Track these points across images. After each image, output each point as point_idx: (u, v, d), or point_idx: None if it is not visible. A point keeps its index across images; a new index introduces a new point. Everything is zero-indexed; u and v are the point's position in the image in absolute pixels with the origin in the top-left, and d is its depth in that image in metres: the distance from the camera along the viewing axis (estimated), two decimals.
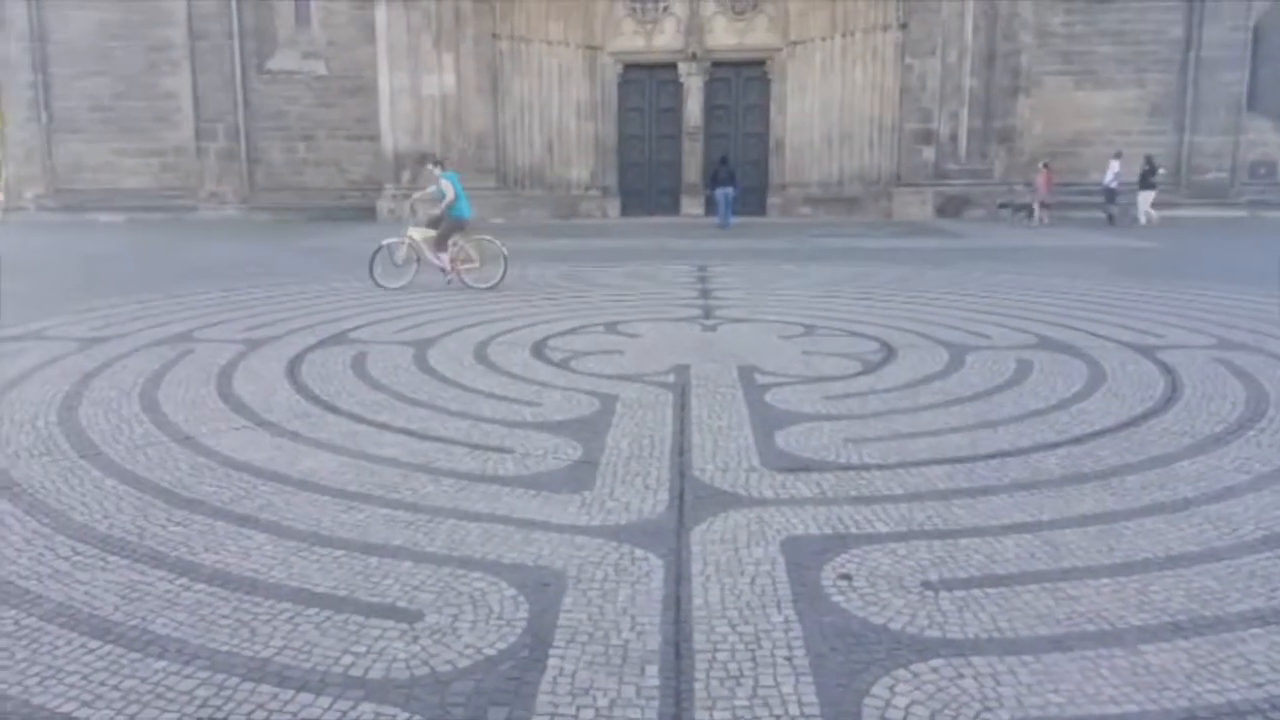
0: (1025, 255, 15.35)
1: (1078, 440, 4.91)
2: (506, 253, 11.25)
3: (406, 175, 24.86)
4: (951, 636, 2.86)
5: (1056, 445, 4.82)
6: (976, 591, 3.16)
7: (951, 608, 3.05)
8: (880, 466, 4.48)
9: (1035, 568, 3.35)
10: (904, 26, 24.05)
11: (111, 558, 3.45)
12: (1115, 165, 22.65)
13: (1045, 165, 22.98)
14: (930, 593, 3.15)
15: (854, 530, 3.71)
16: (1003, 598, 3.11)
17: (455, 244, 11.27)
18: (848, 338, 7.92)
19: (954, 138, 24.08)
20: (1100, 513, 3.88)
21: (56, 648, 2.80)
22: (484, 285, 11.00)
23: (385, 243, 11.42)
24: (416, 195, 12.47)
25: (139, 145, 28.02)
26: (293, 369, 6.73)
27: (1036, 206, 22.34)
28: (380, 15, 24.39)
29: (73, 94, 28.16)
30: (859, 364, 6.86)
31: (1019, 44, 23.60)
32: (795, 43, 25.98)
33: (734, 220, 22.91)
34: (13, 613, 3.02)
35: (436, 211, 11.60)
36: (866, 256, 15.28)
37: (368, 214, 25.10)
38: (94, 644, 2.82)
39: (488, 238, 11.69)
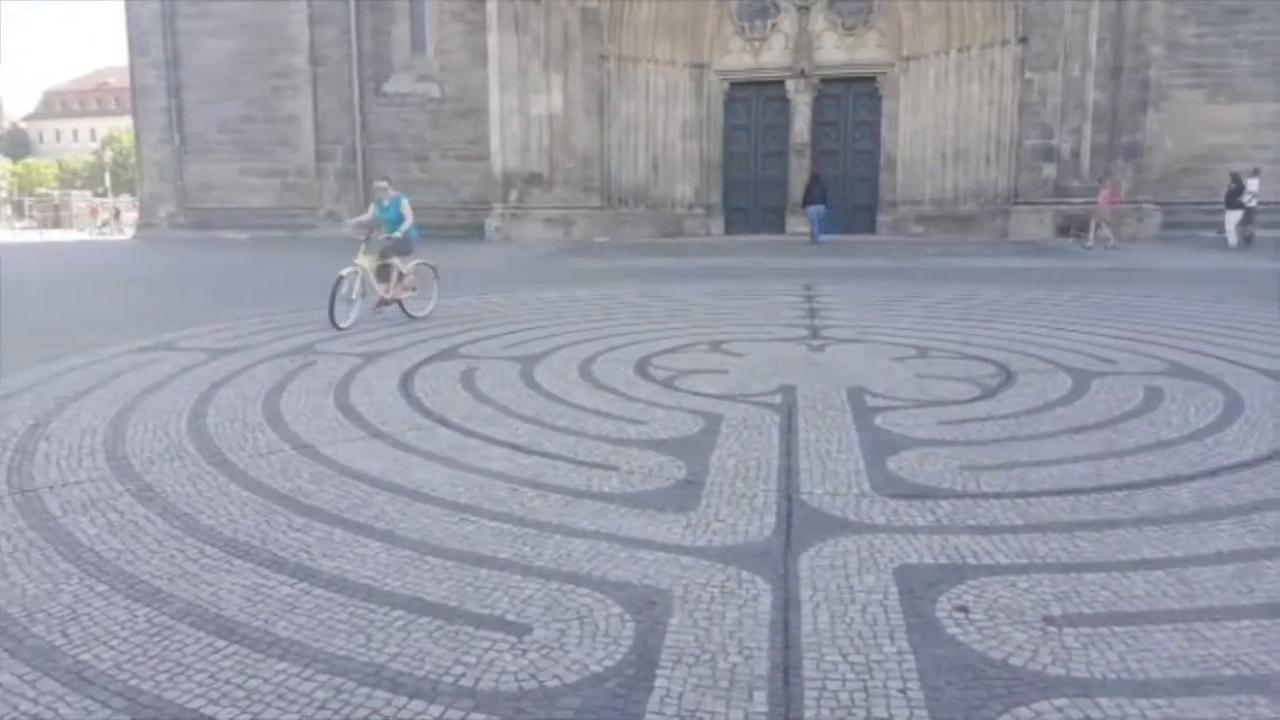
0: (1152, 277, 14.66)
1: (1212, 473, 4.63)
2: (438, 276, 10.70)
3: (514, 194, 25.42)
4: (1076, 675, 2.72)
5: (1189, 478, 4.55)
6: (1103, 629, 3.00)
7: (1076, 645, 2.90)
8: (999, 495, 4.31)
9: (1167, 606, 3.17)
10: (1023, 40, 23.37)
11: (236, 561, 3.59)
12: (1253, 183, 21.41)
13: (1107, 181, 21.96)
14: (1053, 628, 3.01)
15: (971, 561, 3.57)
16: (1131, 636, 2.95)
17: (398, 269, 10.16)
18: (963, 360, 7.69)
19: (1076, 154, 23.22)
20: (1238, 550, 3.64)
21: (186, 646, 2.92)
22: (420, 313, 10.15)
23: (345, 273, 9.49)
24: (353, 221, 10.81)
25: (263, 166, 29.45)
26: (406, 382, 6.92)
27: (1094, 226, 21.19)
28: (492, 40, 25.06)
29: (203, 117, 29.84)
30: (976, 388, 6.65)
31: (1148, 56, 22.62)
32: (908, 58, 25.55)
33: (824, 238, 22.84)
34: (145, 610, 3.16)
35: (395, 236, 10.08)
36: (983, 276, 14.83)
37: (475, 232, 25.73)
38: (220, 643, 2.93)
39: (425, 261, 10.71)
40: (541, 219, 25.30)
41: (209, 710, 2.55)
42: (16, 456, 5.01)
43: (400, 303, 10.15)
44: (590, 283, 14.25)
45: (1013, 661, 2.81)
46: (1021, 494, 4.33)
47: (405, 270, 10.24)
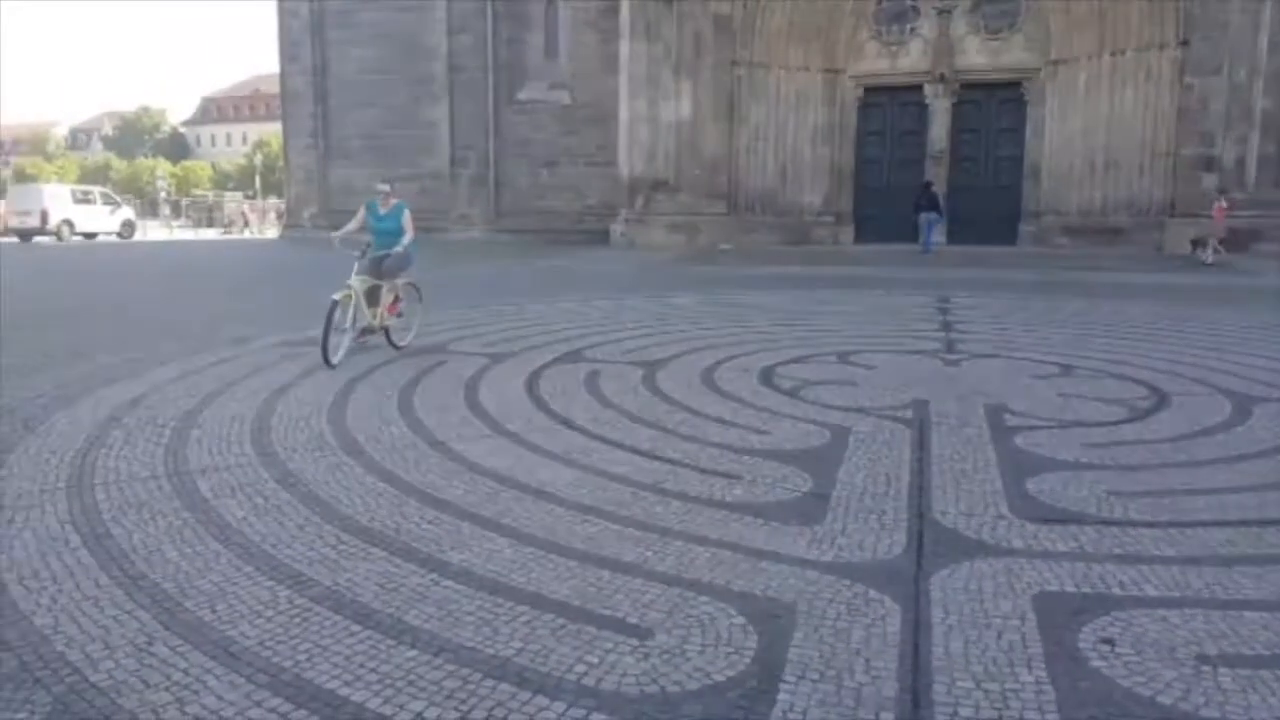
0: None
1: None
2: (422, 298, 9.14)
3: (640, 200, 25.62)
4: (1233, 719, 2.53)
5: None
6: (1265, 672, 2.78)
7: (1233, 687, 2.69)
8: (1149, 524, 4.06)
9: None
10: (1184, 43, 22.07)
11: (372, 549, 3.71)
12: None
13: (1221, 195, 20.48)
14: (1207, 667, 2.80)
15: (1117, 591, 3.37)
16: None
17: (394, 293, 8.56)
18: (1112, 380, 7.29)
19: (1241, 164, 21.76)
20: None
21: (323, 629, 3.03)
22: (403, 342, 8.58)
23: (337, 297, 7.68)
24: (339, 234, 8.70)
25: (400, 171, 30.52)
26: (531, 383, 7.04)
27: (1211, 242, 19.78)
28: (624, 47, 25.34)
29: (346, 123, 31.24)
30: (1124, 409, 6.29)
31: None
32: (1056, 62, 24.47)
33: (934, 245, 22.65)
34: (287, 593, 3.30)
35: (395, 250, 8.38)
36: (1132, 291, 14.07)
37: (600, 237, 26.06)
38: (355, 628, 3.03)
39: (410, 280, 8.90)
40: (666, 225, 25.40)
41: (344, 691, 2.64)
42: (173, 441, 5.33)
43: (387, 330, 8.48)
44: (714, 289, 14.21)
45: (1161, 700, 2.63)
46: (1174, 523, 4.06)
47: (399, 293, 8.65)
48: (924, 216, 23.12)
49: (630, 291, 13.77)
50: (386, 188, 8.55)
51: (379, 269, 8.28)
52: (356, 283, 7.93)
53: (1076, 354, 8.41)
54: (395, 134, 30.62)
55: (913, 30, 25.65)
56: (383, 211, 8.47)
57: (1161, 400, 6.57)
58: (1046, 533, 3.95)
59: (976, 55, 25.29)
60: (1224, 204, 20.45)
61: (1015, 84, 25.21)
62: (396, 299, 8.58)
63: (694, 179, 25.29)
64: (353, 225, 8.75)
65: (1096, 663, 2.84)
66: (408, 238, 8.42)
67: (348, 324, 7.85)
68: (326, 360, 7.45)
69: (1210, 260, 19.60)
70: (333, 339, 7.59)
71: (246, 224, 48.94)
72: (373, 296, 8.20)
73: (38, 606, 3.18)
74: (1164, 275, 17.17)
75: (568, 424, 5.80)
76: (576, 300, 12.43)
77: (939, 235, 23.69)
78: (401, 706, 2.56)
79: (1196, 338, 9.43)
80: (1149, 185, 23.19)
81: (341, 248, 8.32)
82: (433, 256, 22.05)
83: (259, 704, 2.57)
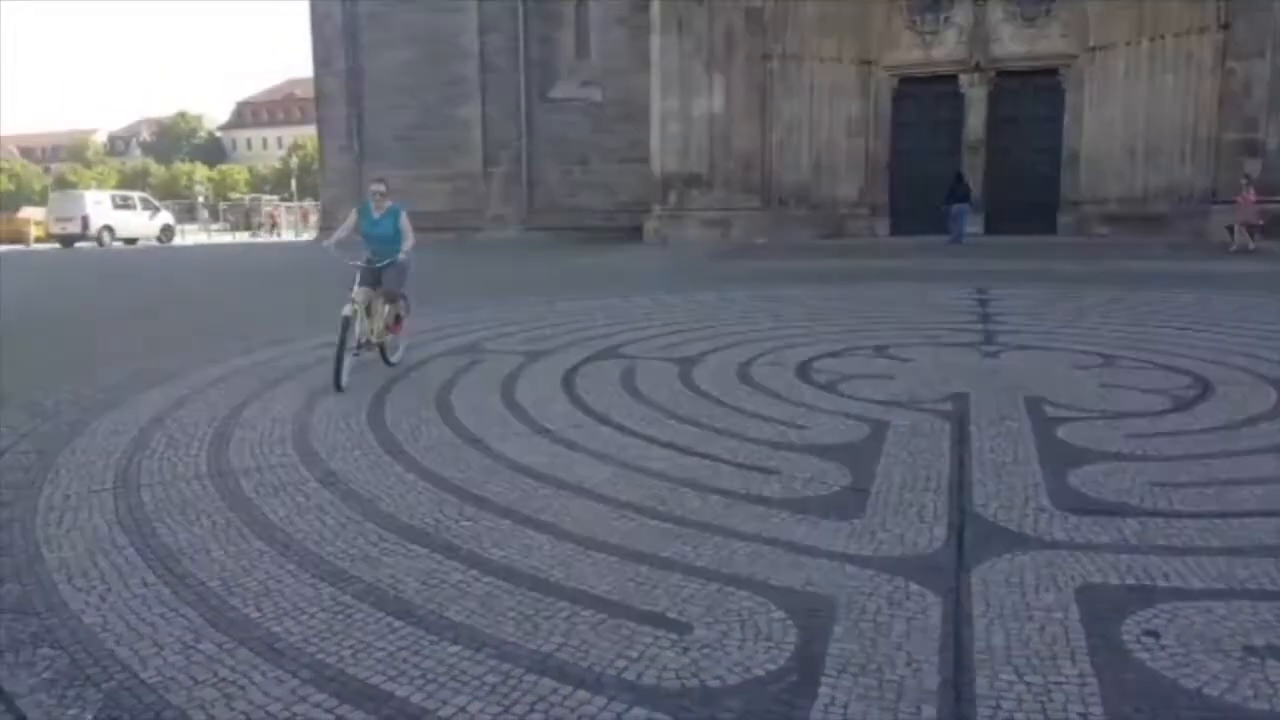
0: None
1: None
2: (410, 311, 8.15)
3: (673, 196, 25.56)
4: None
5: None
6: None
7: None
8: (1193, 515, 3.99)
9: None
10: (1226, 27, 21.59)
11: (413, 546, 3.76)
12: None
13: (1247, 180, 19.90)
14: (1255, 659, 2.76)
15: (1161, 583, 3.32)
16: None
17: (398, 308, 7.73)
18: (1154, 370, 7.18)
19: None
20: None
21: (366, 625, 3.07)
22: (395, 358, 7.74)
23: (348, 312, 6.92)
24: (332, 241, 7.83)
25: (434, 171, 30.71)
26: (568, 380, 7.07)
27: (1236, 229, 19.26)
28: (655, 42, 25.29)
29: (380, 125, 31.44)
30: (1168, 400, 6.19)
31: None
32: (1095, 49, 24.04)
33: (967, 236, 22.50)
34: (331, 590, 3.35)
35: (398, 259, 7.40)
36: (1176, 280, 13.81)
37: (633, 234, 26.04)
38: (397, 624, 3.07)
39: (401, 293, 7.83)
40: (699, 220, 25.34)
41: (388, 687, 2.68)
42: (215, 441, 5.43)
43: (381, 346, 7.58)
44: (748, 284, 14.17)
45: (1207, 692, 2.60)
46: (1220, 514, 3.99)
47: (401, 311, 7.79)
48: (956, 207, 22.90)
49: (664, 288, 13.77)
50: (381, 187, 7.51)
51: (377, 281, 7.30)
52: (360, 296, 7.10)
53: (1118, 344, 8.28)
54: (428, 134, 30.81)
55: (947, 19, 25.34)
56: (377, 215, 7.40)
57: (1205, 390, 6.46)
58: (1089, 525, 3.90)
59: (1012, 43, 24.92)
60: (1252, 192, 19.97)
61: (1052, 72, 24.81)
62: (399, 317, 7.71)
63: (727, 173, 25.20)
64: (343, 232, 7.75)
65: (1141, 655, 2.81)
66: (408, 243, 7.40)
67: (354, 340, 7.04)
68: (338, 385, 6.65)
69: (1241, 248, 19.12)
70: (346, 360, 6.81)
71: (274, 226, 49.46)
72: (371, 309, 7.33)
73: (87, 605, 3.26)
74: (1206, 263, 16.84)
75: (604, 420, 5.82)
76: (610, 297, 12.46)
77: (972, 225, 23.44)
78: (444, 701, 2.59)
79: (1240, 326, 9.24)
80: (1190, 172, 22.73)
81: (338, 253, 7.51)
82: (466, 256, 22.26)
83: (304, 699, 2.62)
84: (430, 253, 24.31)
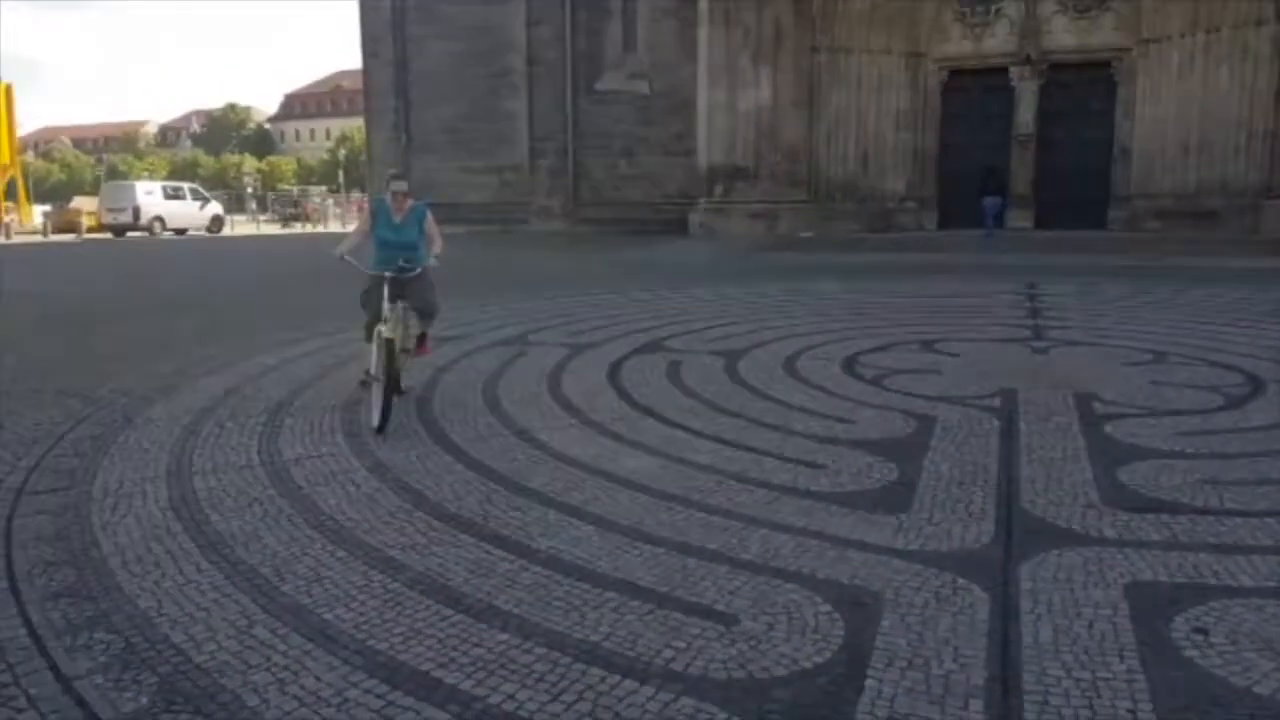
0: None
1: None
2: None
3: (719, 189, 25.47)
4: None
5: None
6: None
7: None
8: (1245, 513, 3.93)
9: None
10: None
11: (461, 535, 3.82)
12: None
13: None
14: None
15: (1211, 581, 3.29)
16: None
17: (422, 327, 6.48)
18: (1206, 367, 7.04)
19: None
20: None
21: (417, 613, 3.13)
22: (407, 382, 6.38)
23: (387, 332, 5.71)
24: (345, 248, 6.18)
25: (481, 163, 30.91)
26: (613, 373, 7.10)
27: None
28: (702, 34, 25.20)
29: (427, 117, 31.66)
30: (1220, 397, 6.08)
31: None
32: (1148, 41, 23.48)
33: (992, 230, 22.15)
34: (381, 578, 3.42)
35: (430, 263, 6.14)
36: (1228, 277, 13.50)
37: (679, 227, 25.99)
38: (447, 612, 3.12)
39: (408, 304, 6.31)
40: (745, 213, 25.22)
41: (438, 674, 2.73)
42: (267, 430, 5.54)
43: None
44: (794, 278, 14.11)
45: (1258, 690, 2.58)
46: (1271, 513, 3.93)
47: (426, 328, 6.54)
48: (990, 201, 22.53)
49: (709, 281, 13.76)
50: (402, 186, 6.21)
51: (401, 293, 5.94)
52: (395, 313, 5.84)
53: (1169, 341, 8.13)
54: (475, 126, 30.99)
55: (998, 11, 24.90)
56: (398, 219, 6.14)
57: (1258, 387, 6.33)
58: (1138, 522, 3.86)
59: (1064, 35, 24.42)
60: None
61: (1104, 64, 24.27)
62: (425, 336, 6.55)
63: (773, 166, 25.04)
64: (356, 239, 6.46)
65: (1190, 652, 2.79)
66: (437, 247, 6.17)
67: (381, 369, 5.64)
68: (381, 427, 5.44)
69: None
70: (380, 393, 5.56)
71: (308, 218, 49.63)
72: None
73: (142, 590, 3.34)
74: (1258, 260, 16.41)
75: (650, 413, 5.85)
76: (656, 290, 12.47)
77: (1009, 220, 23.04)
78: (494, 689, 2.63)
79: None
80: (1244, 167, 22.12)
81: (354, 262, 6.11)
82: (511, 248, 22.45)
83: (355, 685, 2.67)
84: (476, 245, 24.49)
